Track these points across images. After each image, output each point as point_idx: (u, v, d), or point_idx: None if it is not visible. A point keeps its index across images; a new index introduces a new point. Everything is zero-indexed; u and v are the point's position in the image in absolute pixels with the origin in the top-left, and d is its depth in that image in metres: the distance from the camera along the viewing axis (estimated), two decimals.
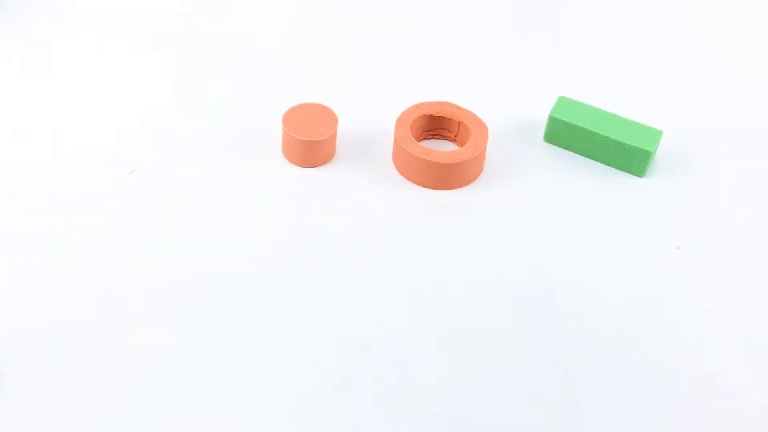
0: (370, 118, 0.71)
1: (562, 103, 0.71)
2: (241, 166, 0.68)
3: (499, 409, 0.54)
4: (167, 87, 0.75)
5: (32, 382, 0.54)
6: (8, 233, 0.62)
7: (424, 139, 0.71)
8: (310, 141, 0.66)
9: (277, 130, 0.68)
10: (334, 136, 0.68)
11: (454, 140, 0.71)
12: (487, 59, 0.80)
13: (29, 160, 0.68)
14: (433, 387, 0.55)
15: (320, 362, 0.56)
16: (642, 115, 0.71)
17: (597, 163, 0.70)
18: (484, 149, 0.68)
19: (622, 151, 0.68)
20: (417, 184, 0.68)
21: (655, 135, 0.69)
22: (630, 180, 0.69)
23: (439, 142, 0.72)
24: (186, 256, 0.61)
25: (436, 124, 0.71)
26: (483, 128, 0.69)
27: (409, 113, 0.69)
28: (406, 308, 0.59)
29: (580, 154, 0.71)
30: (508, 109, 0.74)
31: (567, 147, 0.71)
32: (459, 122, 0.70)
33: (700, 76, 0.80)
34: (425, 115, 0.70)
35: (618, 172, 0.70)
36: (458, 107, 0.70)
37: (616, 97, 0.74)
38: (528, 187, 0.68)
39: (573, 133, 0.70)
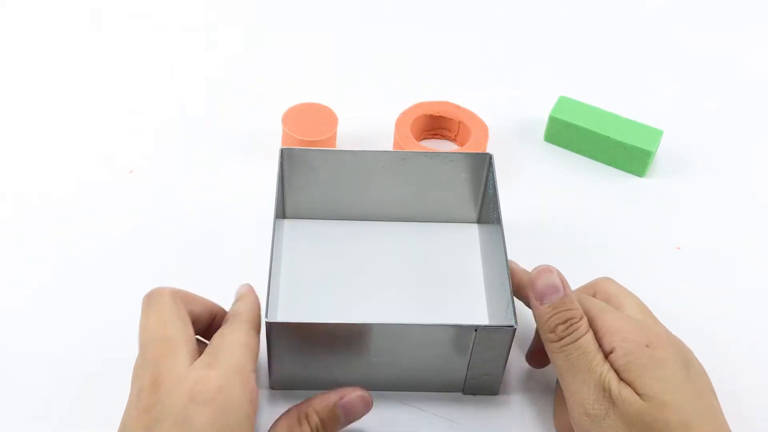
0: (370, 118, 0.71)
1: (562, 103, 0.71)
2: (241, 166, 0.68)
3: (500, 410, 0.54)
4: (167, 87, 0.75)
5: (31, 381, 0.54)
6: (8, 233, 0.62)
7: (424, 139, 0.71)
8: (310, 141, 0.66)
9: (277, 130, 0.68)
10: (334, 136, 0.68)
11: (454, 140, 0.71)
12: (487, 59, 0.80)
13: (29, 160, 0.68)
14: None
15: None
16: (642, 115, 0.71)
17: (597, 162, 0.70)
18: (484, 149, 0.68)
19: (622, 151, 0.68)
20: None
21: (655, 135, 0.69)
22: (630, 180, 0.69)
23: (439, 142, 0.71)
24: (186, 255, 0.61)
25: (436, 124, 0.71)
26: (483, 128, 0.69)
27: (409, 113, 0.69)
28: (405, 308, 0.59)
29: (580, 153, 0.71)
30: (508, 109, 0.74)
31: (567, 147, 0.71)
32: (459, 122, 0.70)
33: (700, 77, 0.80)
34: (425, 115, 0.70)
35: (618, 172, 0.70)
36: (458, 107, 0.70)
37: (616, 97, 0.74)
38: (528, 187, 0.68)
39: (573, 133, 0.70)
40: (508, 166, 0.69)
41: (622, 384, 0.46)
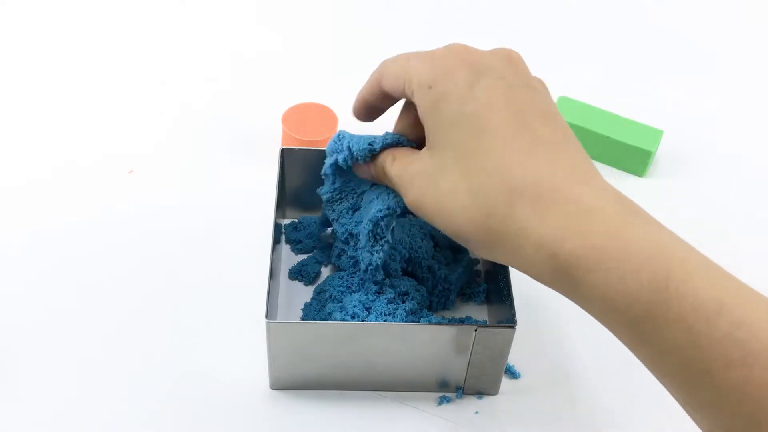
0: None
1: (562, 103, 0.71)
2: (241, 166, 0.68)
3: (500, 410, 0.54)
4: (167, 87, 0.75)
5: (29, 381, 0.54)
6: (7, 232, 0.62)
7: None
8: (310, 141, 0.66)
9: (277, 130, 0.68)
10: None
11: None
12: None
13: (29, 160, 0.68)
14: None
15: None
16: (642, 115, 0.71)
17: (597, 162, 0.70)
18: None
19: (622, 151, 0.68)
20: None
21: (655, 135, 0.69)
22: (630, 180, 0.69)
23: None
24: (186, 255, 0.61)
25: None
26: None
27: None
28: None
29: None
30: None
31: None
32: None
33: (699, 76, 0.80)
34: None
35: (618, 172, 0.70)
36: None
37: (616, 97, 0.74)
38: None
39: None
40: None
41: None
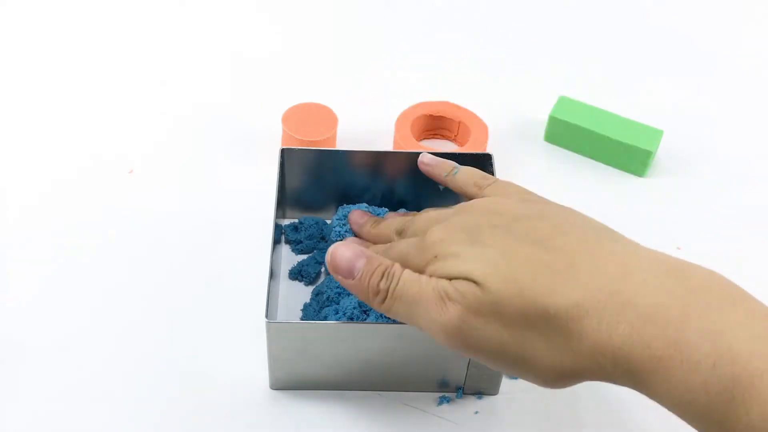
0: (370, 118, 0.71)
1: (563, 103, 0.71)
2: (241, 166, 0.68)
3: (500, 410, 0.54)
4: (167, 87, 0.75)
5: (30, 381, 0.54)
6: (8, 233, 0.62)
7: (424, 139, 0.71)
8: (310, 141, 0.66)
9: (277, 130, 0.68)
10: (334, 136, 0.68)
11: (454, 140, 0.71)
12: (487, 59, 0.80)
13: (29, 160, 0.68)
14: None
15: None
16: (642, 115, 0.71)
17: (597, 162, 0.70)
18: (484, 149, 0.68)
19: (622, 151, 0.68)
20: None
21: (655, 135, 0.69)
22: (630, 180, 0.69)
23: (439, 142, 0.71)
24: (186, 255, 0.61)
25: (436, 124, 0.71)
26: (483, 128, 0.69)
27: (409, 113, 0.69)
28: None
29: (580, 154, 0.71)
30: (508, 109, 0.74)
31: (567, 147, 0.71)
32: (459, 122, 0.70)
33: (699, 76, 0.80)
34: (425, 115, 0.70)
35: (618, 172, 0.70)
36: (458, 107, 0.70)
37: (616, 97, 0.74)
38: (528, 187, 0.68)
39: (573, 133, 0.70)
40: (508, 166, 0.69)
41: (456, 281, 0.41)
